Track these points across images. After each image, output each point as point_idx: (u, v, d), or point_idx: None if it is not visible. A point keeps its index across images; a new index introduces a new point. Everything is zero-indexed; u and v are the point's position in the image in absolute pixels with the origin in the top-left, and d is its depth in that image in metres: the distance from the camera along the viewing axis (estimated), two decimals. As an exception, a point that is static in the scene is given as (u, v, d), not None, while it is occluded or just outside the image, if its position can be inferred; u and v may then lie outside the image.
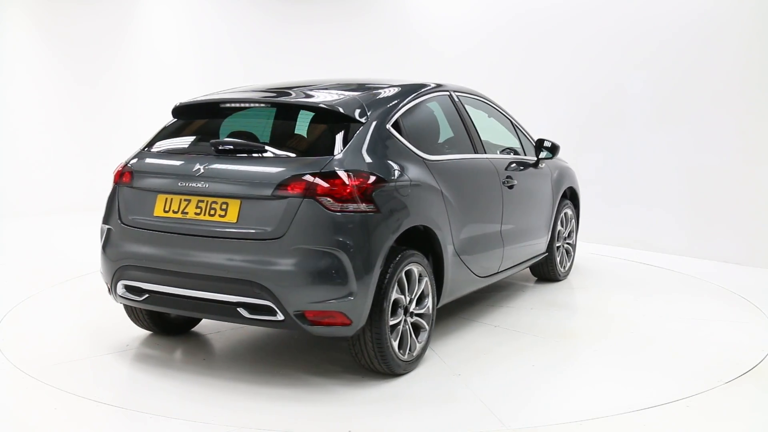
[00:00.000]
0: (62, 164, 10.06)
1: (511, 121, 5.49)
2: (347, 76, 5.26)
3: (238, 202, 3.58)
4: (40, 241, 7.92)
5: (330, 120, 3.81)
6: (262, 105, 4.05)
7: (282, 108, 4.01)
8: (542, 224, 5.56)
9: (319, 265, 3.45)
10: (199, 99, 4.23)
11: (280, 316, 3.51)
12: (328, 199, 3.47)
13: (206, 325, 4.74)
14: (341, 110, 3.78)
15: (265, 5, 10.65)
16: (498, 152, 5.27)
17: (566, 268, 6.12)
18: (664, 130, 7.45)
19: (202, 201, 3.66)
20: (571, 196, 6.20)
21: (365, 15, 10.13)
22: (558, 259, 5.92)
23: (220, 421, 3.33)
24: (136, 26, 10.63)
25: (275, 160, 3.66)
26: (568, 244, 6.12)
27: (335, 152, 3.61)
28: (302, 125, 3.91)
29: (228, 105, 4.06)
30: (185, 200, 3.72)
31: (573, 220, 6.15)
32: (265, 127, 4.02)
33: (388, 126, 3.94)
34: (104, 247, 4.00)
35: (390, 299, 3.67)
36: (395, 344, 3.75)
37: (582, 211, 6.70)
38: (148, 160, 4.03)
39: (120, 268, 3.89)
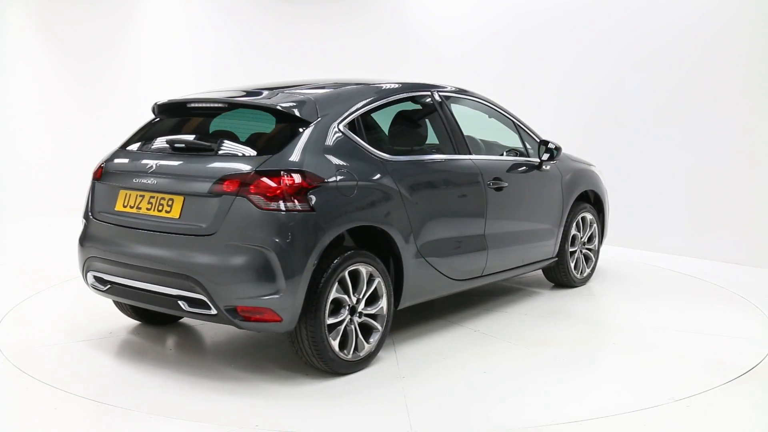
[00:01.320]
0: (62, 164, 10.05)
1: (514, 123, 5.37)
2: (345, 77, 5.24)
3: (181, 198, 3.74)
4: (40, 241, 7.92)
5: (279, 120, 3.92)
6: (221, 105, 4.15)
7: (237, 108, 4.12)
8: (547, 228, 5.39)
9: (247, 261, 3.54)
10: (171, 100, 4.36)
11: (213, 311, 3.63)
12: (260, 197, 3.55)
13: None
14: (289, 111, 3.88)
15: (265, 5, 10.65)
16: (504, 153, 5.22)
17: (583, 274, 5.88)
18: (665, 130, 7.45)
19: (153, 197, 3.85)
20: (594, 200, 5.98)
21: (365, 15, 10.12)
22: (572, 264, 5.71)
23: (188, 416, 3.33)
24: (136, 26, 10.64)
25: (218, 159, 3.80)
26: (587, 249, 5.90)
27: (275, 151, 3.70)
28: (253, 125, 4.03)
29: (194, 105, 4.21)
30: (140, 196, 3.92)
31: (595, 225, 5.91)
32: (221, 127, 4.14)
33: (341, 126, 3.98)
34: (79, 239, 4.26)
35: (327, 298, 3.71)
36: (335, 343, 3.78)
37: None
38: (117, 158, 4.25)
39: (88, 259, 4.15)
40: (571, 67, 8.19)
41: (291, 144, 3.74)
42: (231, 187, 3.58)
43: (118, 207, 4.01)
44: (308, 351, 3.76)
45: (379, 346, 4.07)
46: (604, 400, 3.66)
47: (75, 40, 10.14)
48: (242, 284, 3.56)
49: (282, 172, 3.60)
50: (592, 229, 5.92)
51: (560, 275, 5.71)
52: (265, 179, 3.56)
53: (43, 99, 10.03)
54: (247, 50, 10.58)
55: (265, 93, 4.19)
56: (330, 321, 3.76)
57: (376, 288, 4.00)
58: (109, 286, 4.10)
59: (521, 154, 5.29)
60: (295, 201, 3.58)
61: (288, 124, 3.87)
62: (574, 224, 5.67)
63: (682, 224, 7.34)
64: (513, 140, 5.38)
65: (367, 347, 3.98)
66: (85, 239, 4.20)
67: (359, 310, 3.94)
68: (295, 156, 3.70)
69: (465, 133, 5.02)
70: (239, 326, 3.68)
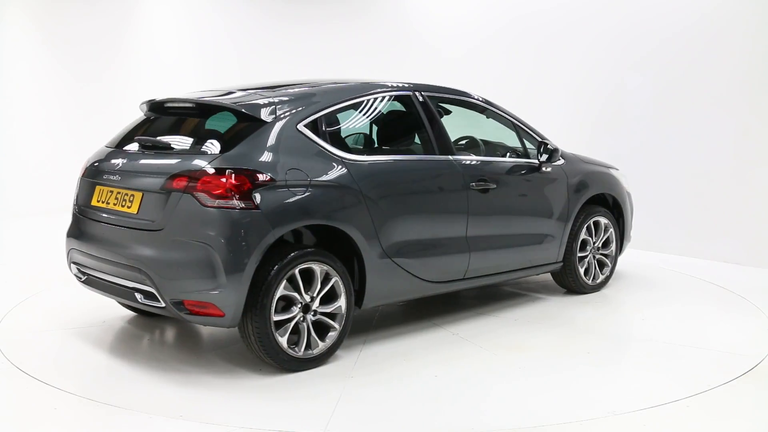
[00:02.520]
0: (62, 164, 10.04)
1: (513, 124, 5.24)
2: (344, 77, 5.23)
3: (140, 194, 3.90)
4: (40, 241, 7.92)
5: (238, 120, 4.00)
6: (190, 105, 4.24)
7: (203, 108, 4.17)
8: (548, 231, 5.23)
9: (191, 257, 3.67)
10: (151, 99, 4.45)
11: (162, 303, 3.77)
12: (205, 194, 3.65)
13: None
14: (247, 111, 3.98)
15: (265, 5, 10.65)
16: (507, 154, 5.16)
17: (596, 280, 5.66)
18: (665, 130, 7.45)
19: (120, 193, 4.03)
20: (613, 204, 5.83)
21: (366, 15, 10.13)
22: (582, 269, 5.52)
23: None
24: (136, 26, 10.63)
25: (175, 157, 3.92)
26: (602, 254, 5.72)
27: (227, 150, 3.79)
28: (216, 125, 4.10)
29: (169, 105, 4.34)
30: (109, 192, 4.12)
31: (611, 230, 5.71)
32: (187, 126, 4.25)
33: (300, 126, 4.03)
34: (66, 232, 4.47)
35: (274, 295, 3.76)
36: (282, 340, 3.82)
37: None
38: (98, 155, 4.40)
39: (70, 250, 4.39)
40: (572, 68, 8.19)
41: (243, 143, 3.84)
42: (180, 185, 3.71)
43: (93, 202, 4.23)
44: (255, 347, 3.82)
45: (336, 344, 4.09)
46: (604, 400, 3.66)
47: (75, 39, 10.13)
48: (186, 279, 3.69)
49: (228, 171, 3.68)
50: (608, 234, 5.70)
51: (568, 280, 5.54)
52: (210, 177, 3.67)
53: (42, 99, 10.02)
54: (247, 50, 10.58)
55: (238, 93, 4.27)
56: (278, 318, 3.81)
57: (333, 287, 4.02)
58: (85, 277, 4.32)
59: (522, 155, 5.21)
60: (239, 199, 3.66)
61: (246, 124, 3.95)
62: (584, 228, 5.49)
63: (683, 224, 7.34)
64: (513, 141, 5.31)
65: (321, 345, 4.00)
66: (69, 232, 4.43)
67: (314, 308, 3.96)
68: (244, 155, 3.78)
69: (469, 134, 5.02)
70: (186, 320, 3.82)
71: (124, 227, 3.94)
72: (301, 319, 3.92)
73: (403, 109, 4.79)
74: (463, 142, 5.33)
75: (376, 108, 4.64)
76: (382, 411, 3.52)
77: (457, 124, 5.26)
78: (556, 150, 5.20)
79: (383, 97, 4.64)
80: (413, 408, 3.55)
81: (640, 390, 3.78)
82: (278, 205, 3.77)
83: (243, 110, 3.98)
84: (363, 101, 4.49)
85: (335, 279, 4.01)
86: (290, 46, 10.33)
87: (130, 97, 10.58)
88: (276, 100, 4.11)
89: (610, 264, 5.79)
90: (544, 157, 5.17)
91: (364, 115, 4.58)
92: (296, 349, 3.90)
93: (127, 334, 4.65)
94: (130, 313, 4.98)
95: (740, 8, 6.86)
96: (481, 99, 5.16)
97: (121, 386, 3.80)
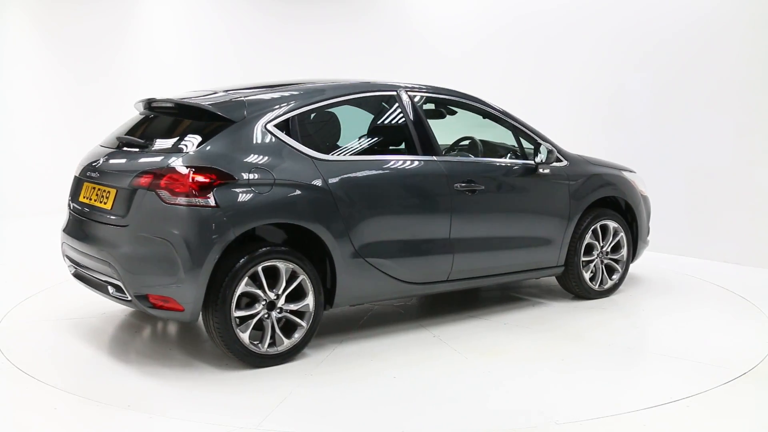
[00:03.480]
0: (62, 164, 10.03)
1: (512, 124, 5.14)
2: (339, 77, 5.21)
3: (114, 191, 4.03)
4: (40, 241, 7.92)
5: (208, 119, 4.08)
6: (170, 105, 4.35)
7: (181, 108, 4.28)
8: (545, 234, 5.11)
9: (152, 252, 3.80)
10: (141, 99, 4.56)
11: (128, 296, 3.90)
12: (166, 192, 3.76)
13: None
14: (216, 110, 4.06)
15: (265, 5, 10.64)
16: (508, 156, 5.10)
17: (604, 286, 5.49)
18: (665, 130, 7.45)
19: (100, 189, 4.17)
20: (626, 207, 5.65)
21: (366, 15, 10.12)
22: (587, 275, 5.38)
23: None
24: (136, 26, 10.63)
25: (147, 155, 4.03)
26: (611, 259, 5.54)
27: (192, 149, 3.89)
28: (189, 124, 4.18)
29: (154, 105, 4.44)
30: (93, 188, 4.26)
31: (622, 234, 5.51)
32: (166, 125, 4.35)
33: (270, 126, 4.09)
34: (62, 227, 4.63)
35: (235, 292, 3.83)
36: (244, 336, 3.90)
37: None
38: (90, 153, 4.53)
39: (63, 244, 4.56)
40: (573, 67, 8.19)
41: (209, 142, 3.92)
42: (145, 182, 3.84)
43: (81, 198, 4.38)
44: (218, 341, 3.92)
45: (303, 342, 4.12)
46: (604, 400, 3.66)
47: (75, 39, 10.12)
48: (148, 273, 3.82)
49: (191, 169, 3.78)
50: (618, 238, 5.51)
51: (572, 285, 5.40)
52: (173, 175, 3.78)
53: (43, 99, 10.02)
54: (247, 50, 10.57)
55: (220, 94, 4.33)
56: (240, 314, 3.88)
57: (301, 285, 4.06)
58: (74, 270, 4.50)
59: (520, 156, 5.12)
60: (199, 197, 3.76)
61: (216, 124, 4.03)
62: (590, 232, 5.33)
63: (683, 224, 7.34)
64: (513, 142, 5.23)
65: (286, 342, 4.05)
66: (62, 227, 4.60)
67: (279, 305, 4.01)
68: (208, 153, 3.87)
69: (470, 135, 5.00)
70: (150, 313, 3.94)
71: (100, 222, 4.10)
72: (266, 315, 3.98)
73: (385, 110, 4.78)
74: (465, 142, 5.31)
75: (355, 108, 4.67)
76: (325, 410, 3.54)
77: (462, 124, 5.27)
78: (551, 151, 5.02)
79: (364, 97, 4.66)
80: (357, 408, 3.56)
81: (639, 390, 3.78)
82: (239, 203, 3.85)
83: (214, 110, 4.06)
84: (341, 101, 4.51)
85: (302, 277, 4.05)
86: (290, 46, 10.33)
87: (130, 97, 10.51)
88: (250, 100, 4.18)
89: (620, 269, 5.60)
90: (540, 158, 5.02)
91: (342, 115, 4.61)
92: (259, 345, 3.97)
93: (127, 334, 4.65)
94: (130, 313, 4.98)
95: (740, 8, 6.86)
96: (474, 99, 5.08)
97: (121, 386, 3.80)
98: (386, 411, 3.53)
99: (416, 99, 4.76)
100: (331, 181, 4.15)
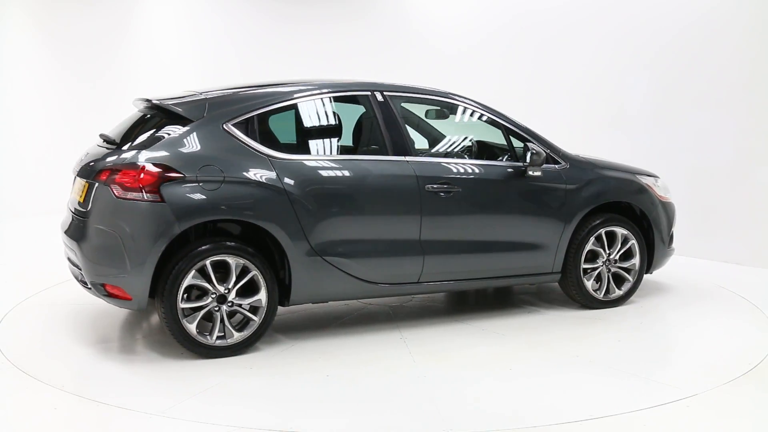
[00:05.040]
0: (62, 164, 10.04)
1: (503, 125, 4.98)
2: (342, 77, 5.23)
3: (87, 185, 4.21)
4: (40, 241, 7.92)
5: (171, 118, 4.26)
6: (146, 104, 4.48)
7: (156, 108, 4.42)
8: (534, 239, 4.93)
9: (101, 243, 4.05)
10: (137, 98, 4.67)
11: (89, 284, 4.16)
12: (118, 187, 3.98)
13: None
14: (177, 110, 4.25)
15: (265, 5, 10.64)
16: (505, 158, 4.96)
17: (609, 295, 5.22)
18: (665, 130, 7.45)
19: (81, 184, 4.33)
20: (641, 214, 5.37)
21: (366, 15, 10.12)
22: (588, 283, 5.13)
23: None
24: (135, 26, 10.63)
25: (113, 152, 4.18)
26: (621, 268, 5.24)
27: (148, 146, 4.08)
28: (155, 122, 4.35)
29: (138, 104, 4.61)
30: (78, 183, 4.42)
31: (633, 242, 5.21)
32: (141, 124, 4.45)
33: (227, 126, 4.23)
34: None
35: (181, 284, 4.01)
36: (191, 327, 4.07)
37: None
38: (86, 150, 4.63)
39: (63, 244, 4.61)
40: (570, 66, 8.19)
41: (165, 140, 4.12)
42: (103, 177, 4.05)
43: (72, 193, 4.55)
44: (168, 332, 4.10)
45: (255, 336, 4.23)
46: (604, 400, 3.65)
47: (75, 39, 10.12)
48: (102, 264, 4.06)
49: (140, 166, 3.98)
50: (628, 245, 5.21)
51: (572, 293, 5.18)
52: (124, 171, 3.99)
53: (43, 99, 10.02)
54: (247, 50, 10.57)
55: (190, 94, 4.44)
56: (188, 305, 4.05)
57: (254, 280, 4.17)
58: (69, 262, 4.59)
59: (512, 158, 4.96)
60: (147, 192, 3.95)
61: (174, 122, 4.22)
62: (592, 238, 5.08)
63: (682, 224, 7.33)
64: (512, 144, 5.10)
65: (236, 336, 4.17)
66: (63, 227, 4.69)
67: (230, 299, 4.13)
68: (160, 151, 4.06)
69: (467, 135, 4.97)
70: (107, 301, 4.16)
71: (75, 215, 4.31)
72: (216, 308, 4.12)
73: (356, 110, 4.79)
74: (464, 143, 5.25)
75: (321, 108, 4.68)
76: (236, 402, 3.60)
77: (461, 125, 5.24)
78: (537, 153, 4.81)
79: (332, 98, 4.67)
80: (265, 403, 3.61)
81: (639, 390, 3.78)
82: (185, 199, 4.00)
83: (175, 110, 4.25)
84: (307, 101, 4.56)
85: (254, 273, 4.16)
86: (290, 46, 10.33)
87: (130, 97, 10.53)
88: (211, 100, 4.32)
89: (631, 279, 5.28)
90: (529, 159, 4.83)
91: (306, 115, 4.63)
92: (207, 336, 4.11)
93: (127, 334, 4.65)
94: (130, 313, 4.98)
95: (740, 8, 6.86)
96: (462, 99, 4.98)
97: (121, 386, 3.80)
98: (288, 407, 3.56)
99: (392, 99, 4.72)
100: (287, 179, 4.23)
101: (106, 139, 4.42)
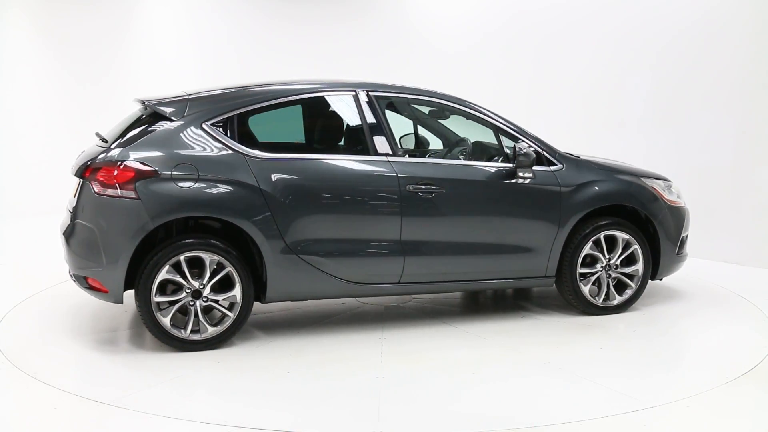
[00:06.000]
0: (62, 164, 10.03)
1: (494, 125, 4.91)
2: (336, 77, 5.20)
3: (78, 183, 4.34)
4: (40, 241, 7.92)
5: (154, 118, 4.39)
6: (139, 104, 4.61)
7: (143, 107, 4.54)
8: (524, 242, 4.82)
9: (82, 237, 4.21)
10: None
11: (73, 277, 4.35)
12: (97, 183, 4.14)
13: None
14: (158, 109, 4.38)
15: (265, 5, 10.64)
16: (499, 158, 4.87)
17: (609, 301, 5.07)
18: (665, 130, 7.45)
19: (76, 182, 4.42)
20: (646, 219, 5.17)
21: (366, 15, 10.12)
22: (586, 288, 4.99)
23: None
24: (136, 26, 10.63)
25: (101, 150, 4.29)
26: (623, 274, 5.08)
27: (129, 145, 4.22)
28: (140, 121, 4.47)
29: (135, 103, 4.71)
30: (76, 182, 4.50)
31: (635, 247, 5.04)
32: (132, 123, 4.53)
33: (206, 125, 4.34)
34: None
35: (155, 278, 4.15)
36: (165, 320, 4.20)
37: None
38: (82, 149, 4.74)
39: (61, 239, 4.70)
40: (570, 66, 8.19)
41: (143, 138, 4.26)
42: (87, 174, 4.21)
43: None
44: (144, 323, 4.25)
45: (229, 331, 4.32)
46: (604, 400, 3.65)
47: (75, 40, 10.12)
48: (82, 257, 4.23)
49: (117, 163, 4.13)
50: (630, 251, 5.05)
51: (568, 298, 5.07)
52: (104, 168, 4.14)
53: (43, 99, 10.02)
54: (247, 51, 10.57)
55: (176, 94, 4.53)
56: (163, 299, 4.19)
57: (229, 277, 4.27)
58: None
59: (504, 159, 4.86)
60: (123, 189, 4.10)
61: (156, 121, 4.35)
62: (590, 242, 4.94)
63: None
64: (507, 143, 4.99)
65: (211, 330, 4.28)
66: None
67: (204, 295, 4.24)
68: (138, 149, 4.20)
69: (464, 135, 4.96)
70: (88, 293, 4.31)
71: (69, 212, 4.42)
72: (190, 303, 4.23)
73: (338, 110, 4.81)
74: (459, 144, 5.22)
75: (304, 108, 4.76)
76: (186, 395, 3.68)
77: (457, 125, 5.25)
78: (525, 154, 4.70)
79: (315, 98, 4.71)
80: (223, 397, 3.67)
81: (639, 390, 3.78)
82: (158, 197, 4.13)
83: (157, 109, 4.38)
84: (291, 102, 4.62)
85: (228, 269, 4.25)
86: (290, 47, 10.33)
87: (130, 97, 10.55)
88: (193, 100, 4.43)
89: (634, 285, 5.11)
90: (520, 160, 4.72)
91: (288, 115, 4.71)
92: (180, 330, 4.23)
93: (127, 334, 4.65)
94: (130, 313, 4.98)
95: (740, 8, 6.86)
96: (451, 99, 4.92)
97: (121, 386, 3.80)
98: (236, 401, 3.61)
99: (378, 99, 4.72)
100: (262, 178, 4.30)
101: (101, 138, 4.54)
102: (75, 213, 4.26)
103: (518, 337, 4.64)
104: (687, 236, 5.42)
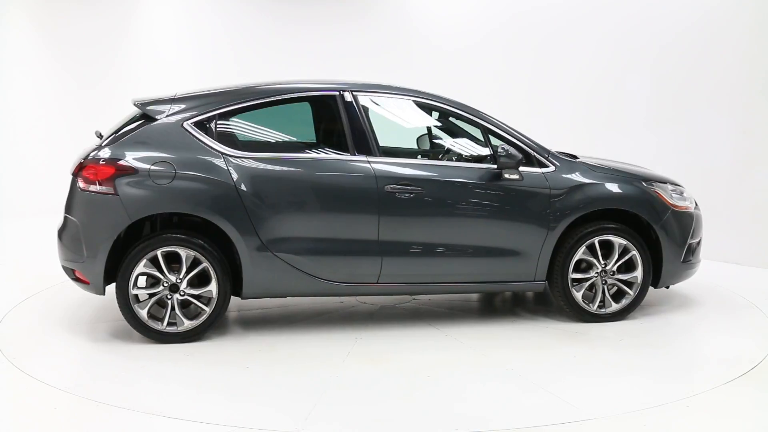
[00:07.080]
0: (62, 164, 10.04)
1: (481, 126, 4.82)
2: (341, 77, 5.22)
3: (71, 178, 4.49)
4: (40, 241, 7.92)
5: (139, 117, 4.57)
6: (134, 105, 4.70)
7: (135, 107, 4.66)
8: (510, 245, 4.71)
9: (68, 231, 4.43)
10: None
11: (63, 268, 4.56)
12: (82, 180, 4.35)
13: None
14: (143, 108, 4.54)
15: (265, 5, 10.65)
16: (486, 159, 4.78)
17: (605, 309, 4.90)
18: (665, 130, 7.45)
19: None
20: (648, 224, 4.95)
21: (366, 15, 10.13)
22: (579, 294, 4.85)
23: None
24: (136, 26, 10.64)
25: (92, 148, 4.45)
26: (620, 280, 4.90)
27: (112, 143, 4.40)
28: (128, 121, 4.64)
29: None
30: None
31: (634, 253, 4.85)
32: (125, 122, 4.67)
33: (187, 124, 4.48)
34: None
35: (133, 272, 4.34)
36: (143, 312, 4.38)
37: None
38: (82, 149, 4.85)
39: None
40: (570, 66, 8.20)
41: (128, 137, 4.43)
42: (75, 171, 4.41)
43: None
44: (122, 315, 4.41)
45: (205, 325, 4.45)
46: (604, 400, 3.65)
47: (75, 40, 10.14)
48: (68, 249, 4.45)
49: (98, 161, 4.33)
50: (628, 257, 4.86)
51: (559, 304, 4.94)
52: (88, 166, 4.34)
53: (43, 99, 10.03)
54: (247, 51, 10.58)
55: (170, 95, 4.64)
56: (140, 292, 4.38)
57: (205, 272, 4.41)
58: None
59: (492, 159, 4.75)
60: (102, 185, 4.30)
61: (140, 120, 4.53)
62: (583, 247, 4.79)
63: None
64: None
65: (187, 323, 4.43)
66: None
67: (181, 289, 4.40)
68: (120, 147, 4.38)
69: (461, 136, 4.94)
70: (76, 284, 4.51)
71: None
72: (168, 297, 4.40)
73: (321, 110, 4.86)
74: (444, 144, 5.20)
75: (285, 108, 4.78)
76: (154, 389, 3.75)
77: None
78: (510, 155, 4.61)
79: (297, 98, 4.74)
80: (169, 388, 3.75)
81: (639, 390, 3.78)
82: (135, 193, 4.30)
83: (141, 109, 4.54)
84: (273, 102, 4.66)
85: (204, 264, 4.39)
86: (290, 47, 10.34)
87: (130, 98, 10.59)
88: (176, 100, 4.57)
89: (632, 293, 4.92)
90: (500, 161, 4.65)
91: (269, 115, 4.74)
92: (157, 322, 4.40)
93: (127, 334, 4.65)
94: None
95: (740, 8, 6.86)
96: (434, 97, 4.86)
97: (121, 386, 3.80)
98: (181, 393, 3.68)
99: (362, 99, 4.72)
100: (239, 176, 4.39)
101: (99, 137, 4.66)
102: (65, 208, 4.47)
103: (494, 342, 4.54)
104: (698, 243, 5.21)
